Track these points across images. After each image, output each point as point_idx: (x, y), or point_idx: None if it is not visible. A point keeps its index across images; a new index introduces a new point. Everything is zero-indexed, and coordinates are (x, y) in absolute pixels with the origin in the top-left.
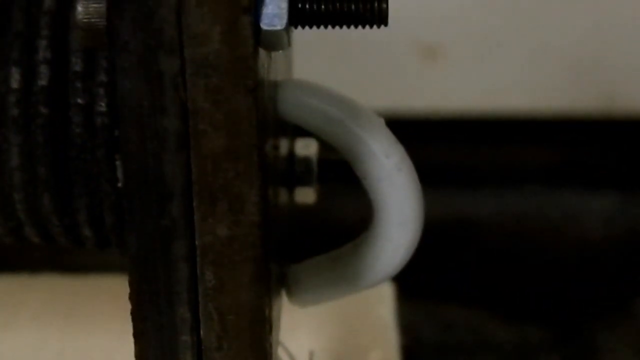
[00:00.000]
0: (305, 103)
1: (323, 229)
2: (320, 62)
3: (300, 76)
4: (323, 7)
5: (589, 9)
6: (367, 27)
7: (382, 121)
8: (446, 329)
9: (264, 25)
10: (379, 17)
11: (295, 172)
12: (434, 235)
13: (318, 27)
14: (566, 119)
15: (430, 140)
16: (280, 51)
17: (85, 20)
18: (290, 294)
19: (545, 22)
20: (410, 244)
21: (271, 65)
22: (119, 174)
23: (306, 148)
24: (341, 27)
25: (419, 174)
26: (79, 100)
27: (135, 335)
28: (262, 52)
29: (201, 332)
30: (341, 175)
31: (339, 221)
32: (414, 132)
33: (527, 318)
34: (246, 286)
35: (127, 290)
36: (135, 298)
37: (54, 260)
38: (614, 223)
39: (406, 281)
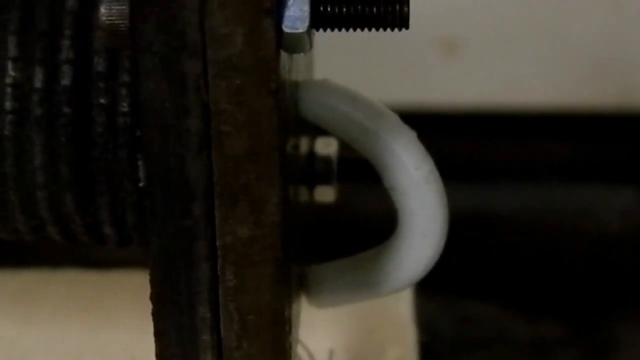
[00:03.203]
0: (334, 108)
1: (343, 227)
2: (339, 56)
3: (320, 70)
4: (344, 9)
5: (608, 3)
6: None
7: (413, 133)
8: (464, 325)
9: (286, 28)
10: (400, 20)
11: (315, 170)
12: (452, 230)
13: (339, 29)
14: (585, 114)
15: (448, 134)
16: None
17: (108, 21)
18: (309, 295)
19: (564, 17)
20: (432, 255)
21: (292, 65)
22: (141, 173)
23: (326, 147)
24: (362, 29)
25: (437, 168)
26: (102, 100)
27: (156, 334)
28: (283, 54)
29: (221, 332)
30: (361, 174)
31: (358, 220)
32: (432, 127)
33: (545, 313)
34: (266, 286)
35: (148, 285)
36: (157, 297)
37: (75, 255)
38: (632, 218)
39: (424, 277)
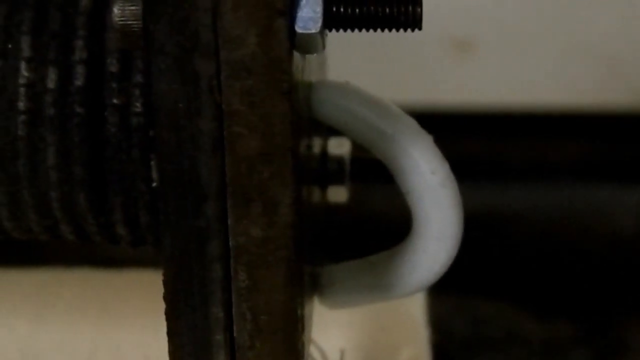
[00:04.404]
0: (351, 110)
1: (355, 227)
2: (352, 56)
3: (333, 70)
4: (357, 10)
5: (621, 3)
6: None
7: (430, 137)
8: (477, 325)
9: (299, 29)
10: (413, 21)
11: (327, 170)
12: (465, 230)
13: (352, 30)
14: (598, 114)
15: (461, 134)
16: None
17: (121, 22)
18: (321, 296)
19: (577, 17)
20: (446, 259)
21: (305, 66)
22: (154, 173)
23: (339, 147)
24: (375, 30)
25: (450, 168)
26: (115, 101)
27: (169, 334)
28: (296, 54)
29: (234, 332)
30: (373, 174)
31: (371, 220)
32: (445, 126)
33: (557, 313)
34: (279, 287)
35: (161, 285)
36: (170, 297)
37: (88, 255)
38: None
39: None
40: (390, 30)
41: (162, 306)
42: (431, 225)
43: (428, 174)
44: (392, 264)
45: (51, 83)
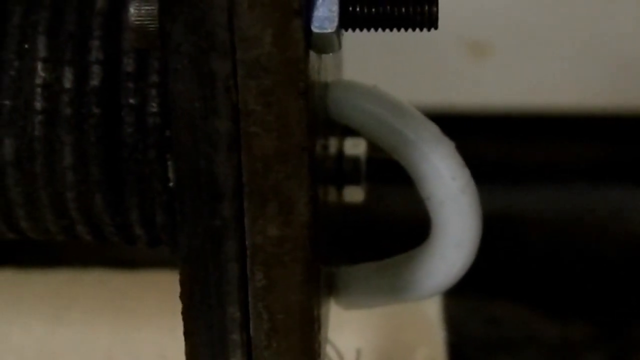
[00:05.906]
0: (372, 114)
1: (371, 227)
2: (368, 57)
3: (348, 70)
4: (373, 10)
5: (636, 5)
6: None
7: (451, 143)
8: (492, 326)
9: (315, 28)
10: (429, 20)
11: (343, 171)
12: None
13: (368, 30)
14: (613, 116)
15: (476, 136)
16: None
17: (137, 22)
18: (337, 296)
19: (593, 18)
20: (464, 265)
21: (321, 65)
22: (171, 173)
23: (355, 147)
24: (391, 30)
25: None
26: (131, 101)
27: (185, 333)
28: (312, 54)
29: (251, 331)
30: (390, 175)
31: (387, 220)
32: (461, 128)
33: (572, 314)
34: (296, 286)
35: (178, 285)
36: (186, 297)
37: (105, 255)
38: None
39: None
40: (406, 30)
41: (178, 306)
42: (450, 231)
43: (448, 180)
44: (409, 267)
45: (67, 83)
